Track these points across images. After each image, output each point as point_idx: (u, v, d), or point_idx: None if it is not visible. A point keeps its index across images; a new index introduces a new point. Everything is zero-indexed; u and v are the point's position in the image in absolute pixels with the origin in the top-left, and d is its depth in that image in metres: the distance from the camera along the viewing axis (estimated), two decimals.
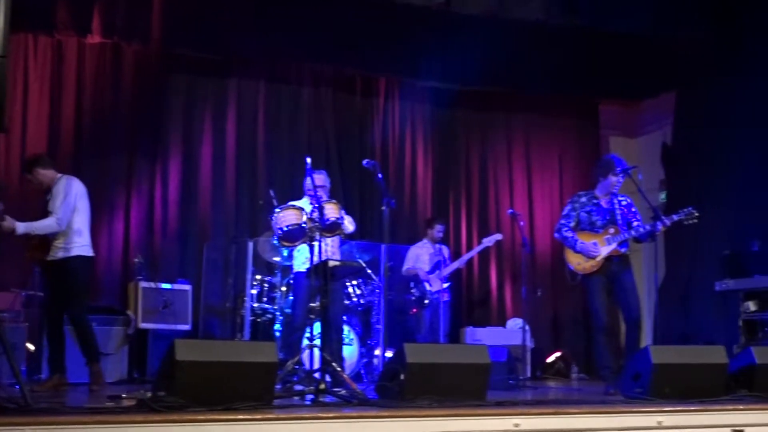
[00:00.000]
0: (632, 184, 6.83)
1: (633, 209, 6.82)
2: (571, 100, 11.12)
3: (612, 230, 6.66)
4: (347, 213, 6.81)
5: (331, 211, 6.23)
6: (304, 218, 6.21)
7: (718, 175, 9.46)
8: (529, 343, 9.04)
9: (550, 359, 10.04)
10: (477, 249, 9.50)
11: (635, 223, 6.72)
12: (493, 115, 11.02)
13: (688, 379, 5.00)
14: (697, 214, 6.51)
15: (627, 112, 11.64)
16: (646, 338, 9.40)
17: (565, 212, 6.93)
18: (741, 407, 4.70)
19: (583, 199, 6.87)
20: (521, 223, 8.73)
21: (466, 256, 9.49)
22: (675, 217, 6.51)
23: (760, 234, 8.47)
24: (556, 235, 6.98)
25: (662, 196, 10.62)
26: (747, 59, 9.14)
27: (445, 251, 9.20)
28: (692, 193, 9.50)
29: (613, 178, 6.75)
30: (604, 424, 4.34)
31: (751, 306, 7.92)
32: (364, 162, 6.70)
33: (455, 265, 9.20)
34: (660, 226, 6.50)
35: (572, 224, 6.82)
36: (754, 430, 4.54)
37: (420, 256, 9.08)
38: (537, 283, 10.38)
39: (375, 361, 8.09)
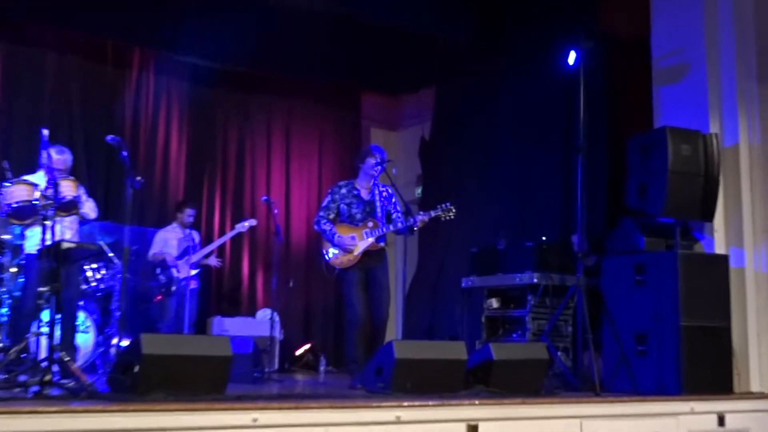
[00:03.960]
0: (387, 178, 6.81)
1: (393, 200, 6.77)
2: (334, 89, 11.15)
3: (371, 224, 6.59)
4: (91, 193, 6.40)
5: (68, 188, 5.91)
6: (37, 194, 5.82)
7: (472, 172, 9.77)
8: (278, 335, 8.97)
9: (299, 351, 10.03)
10: (229, 235, 9.28)
11: (394, 215, 6.70)
12: (253, 98, 10.86)
13: (428, 375, 5.07)
14: (454, 210, 6.58)
15: (389, 104, 11.83)
16: (395, 332, 9.53)
17: (324, 203, 6.77)
18: (476, 402, 4.78)
19: (344, 191, 6.73)
20: (275, 211, 8.54)
21: (217, 242, 9.25)
22: (432, 213, 6.54)
23: (506, 233, 8.78)
24: (315, 227, 6.78)
25: (418, 190, 10.84)
26: (506, 62, 9.47)
27: (196, 236, 8.92)
28: (447, 189, 9.74)
29: (371, 160, 6.65)
30: (343, 419, 4.32)
31: (494, 303, 8.15)
32: (108, 138, 6.28)
33: (205, 250, 8.92)
34: (419, 221, 6.49)
35: (331, 216, 6.68)
36: (488, 424, 4.64)
37: (168, 240, 8.73)
38: (290, 273, 10.31)
39: (112, 350, 7.63)
